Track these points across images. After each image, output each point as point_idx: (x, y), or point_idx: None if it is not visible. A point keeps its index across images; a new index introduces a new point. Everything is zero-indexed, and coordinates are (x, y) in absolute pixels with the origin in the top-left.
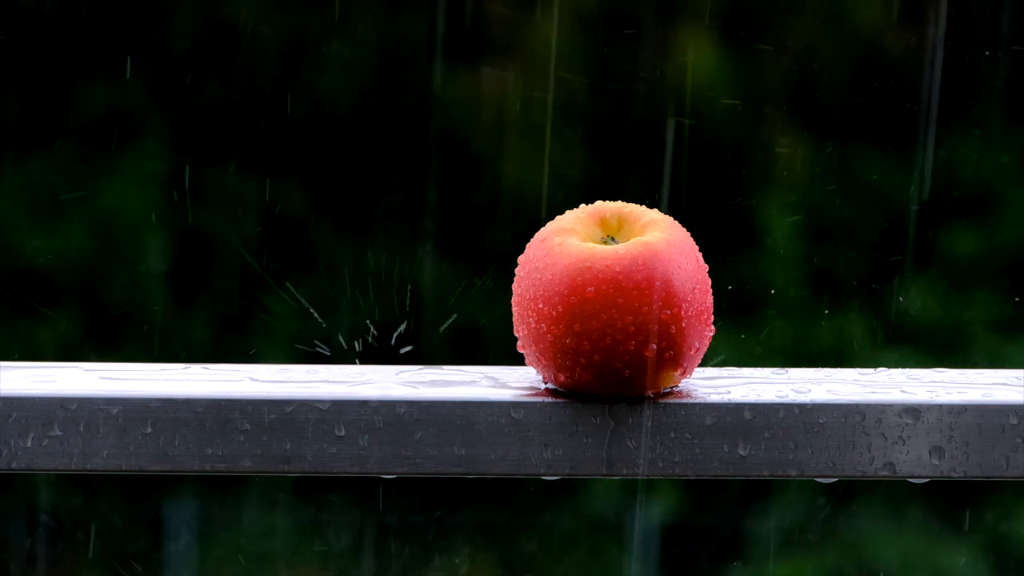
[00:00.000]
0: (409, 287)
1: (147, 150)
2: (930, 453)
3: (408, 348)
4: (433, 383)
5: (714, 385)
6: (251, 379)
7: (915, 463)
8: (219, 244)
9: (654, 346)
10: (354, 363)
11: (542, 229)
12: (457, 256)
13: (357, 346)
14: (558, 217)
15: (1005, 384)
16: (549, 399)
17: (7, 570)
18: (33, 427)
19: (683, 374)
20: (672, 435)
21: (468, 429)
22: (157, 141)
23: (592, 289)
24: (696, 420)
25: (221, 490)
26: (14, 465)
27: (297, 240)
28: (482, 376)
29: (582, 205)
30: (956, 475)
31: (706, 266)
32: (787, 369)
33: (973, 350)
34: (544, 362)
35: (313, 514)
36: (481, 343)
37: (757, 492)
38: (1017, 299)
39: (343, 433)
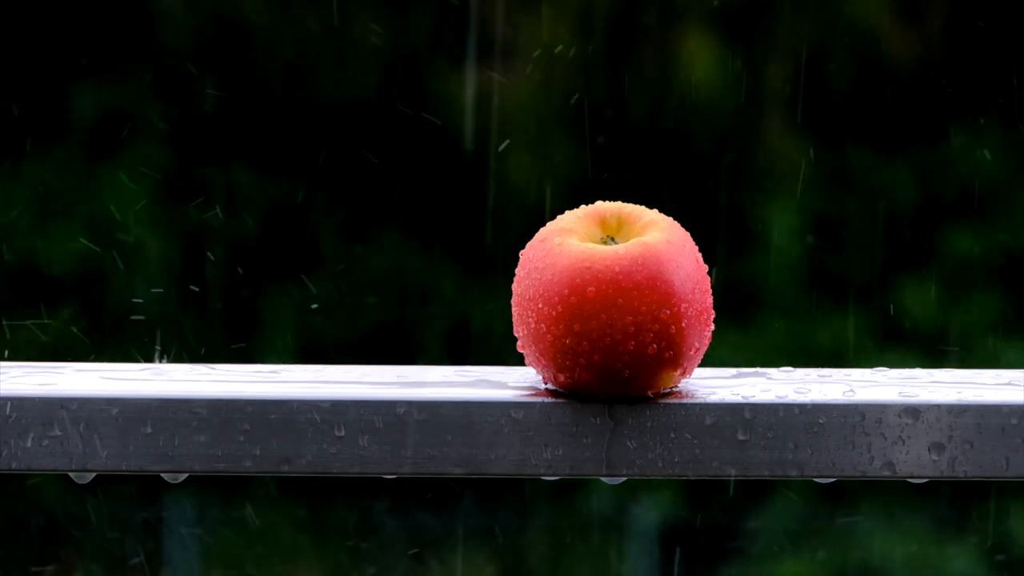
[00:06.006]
0: (409, 287)
1: (147, 149)
2: (930, 453)
3: (408, 348)
4: (433, 383)
5: (714, 385)
6: (251, 379)
7: (915, 463)
8: (219, 244)
9: (654, 346)
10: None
11: (542, 229)
12: (457, 256)
13: (356, 345)
14: (558, 217)
15: (1005, 384)
16: (549, 399)
17: (8, 570)
18: (33, 427)
19: (683, 374)
20: (672, 435)
21: (468, 429)
22: (157, 140)
23: (592, 289)
24: (696, 420)
25: (221, 490)
26: (14, 465)
27: (297, 240)
28: (482, 376)
29: (582, 205)
30: (956, 475)
31: (706, 266)
32: (787, 369)
33: (973, 350)
34: (544, 362)
35: (313, 514)
36: (481, 343)
37: (756, 492)
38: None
39: (343, 433)
